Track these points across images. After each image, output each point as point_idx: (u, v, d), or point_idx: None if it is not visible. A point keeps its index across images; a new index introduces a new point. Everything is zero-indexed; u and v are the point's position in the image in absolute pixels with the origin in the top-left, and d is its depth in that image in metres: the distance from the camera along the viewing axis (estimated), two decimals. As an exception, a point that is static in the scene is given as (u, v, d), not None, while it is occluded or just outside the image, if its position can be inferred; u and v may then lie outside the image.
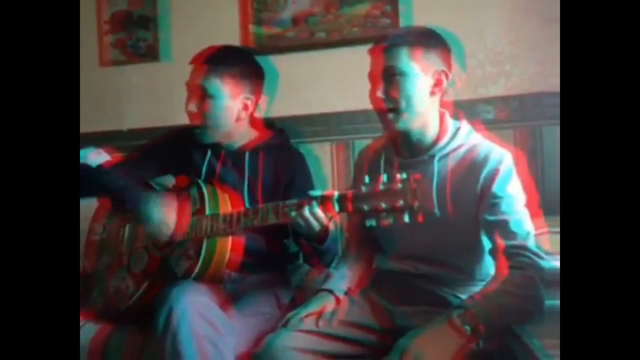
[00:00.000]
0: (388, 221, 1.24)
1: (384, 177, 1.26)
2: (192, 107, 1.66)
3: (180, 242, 1.58)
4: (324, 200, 1.36)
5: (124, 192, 1.67)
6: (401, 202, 1.22)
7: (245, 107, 1.69)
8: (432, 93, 1.43)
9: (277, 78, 1.96)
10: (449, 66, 1.45)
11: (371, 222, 1.27)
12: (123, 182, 1.68)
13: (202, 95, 1.65)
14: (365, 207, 1.27)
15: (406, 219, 1.22)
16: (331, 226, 1.46)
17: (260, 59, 1.76)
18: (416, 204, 1.21)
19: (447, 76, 1.44)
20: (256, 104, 1.73)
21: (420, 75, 1.40)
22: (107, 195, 1.75)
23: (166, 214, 1.60)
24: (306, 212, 1.37)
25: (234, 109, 1.67)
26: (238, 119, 1.69)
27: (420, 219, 1.22)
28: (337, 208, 1.33)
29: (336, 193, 1.34)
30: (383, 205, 1.23)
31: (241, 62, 1.69)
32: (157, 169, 1.80)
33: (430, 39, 1.44)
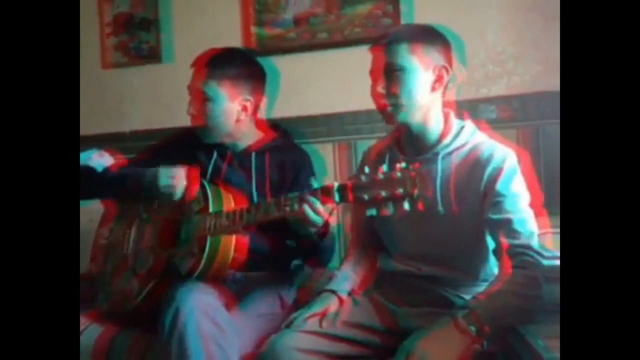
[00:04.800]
0: (388, 210, 1.23)
1: (384, 167, 1.26)
2: (192, 110, 1.69)
3: (185, 240, 1.59)
4: (324, 192, 1.35)
5: (126, 177, 1.69)
6: (401, 191, 1.20)
7: (244, 108, 1.70)
8: (433, 89, 1.42)
9: (278, 79, 1.96)
10: (450, 61, 1.44)
11: (372, 212, 1.25)
12: (124, 175, 1.71)
13: (202, 98, 1.67)
14: (365, 197, 1.25)
15: (406, 207, 1.21)
16: (332, 220, 1.45)
17: (260, 60, 1.77)
18: (416, 191, 1.19)
19: (447, 71, 1.43)
20: (256, 106, 1.74)
21: (420, 70, 1.40)
22: (112, 197, 1.76)
23: (176, 177, 1.62)
24: (307, 210, 1.35)
25: (232, 111, 1.69)
26: (238, 120, 1.70)
27: (420, 207, 1.21)
28: (337, 198, 1.32)
29: (336, 183, 1.33)
30: (383, 194, 1.22)
31: (239, 64, 1.70)
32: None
33: (429, 35, 1.44)
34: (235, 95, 1.68)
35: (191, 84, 1.70)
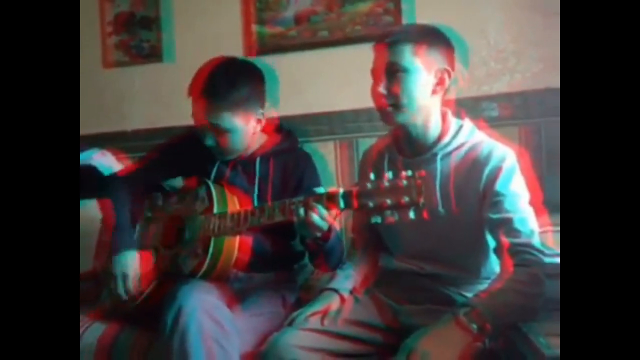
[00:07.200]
0: (393, 218, 1.23)
1: (389, 174, 1.25)
2: (211, 142, 1.65)
3: (189, 240, 1.59)
4: (329, 198, 1.34)
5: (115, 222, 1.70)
6: (406, 199, 1.21)
7: (259, 122, 1.67)
8: (434, 92, 1.42)
9: (276, 80, 1.95)
10: (452, 65, 1.44)
11: (376, 219, 1.25)
12: (121, 199, 1.72)
13: (216, 130, 1.62)
14: (371, 204, 1.26)
15: (411, 215, 1.21)
16: (336, 225, 1.45)
17: (257, 62, 1.74)
18: (421, 200, 1.20)
19: (449, 75, 1.43)
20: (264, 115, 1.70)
21: (423, 72, 1.39)
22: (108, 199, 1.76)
23: (132, 272, 1.63)
24: (312, 215, 1.35)
25: (249, 130, 1.66)
26: (254, 134, 1.68)
27: (425, 215, 1.22)
28: (342, 205, 1.32)
29: (341, 190, 1.33)
30: (388, 201, 1.23)
31: (245, 82, 1.62)
32: (168, 173, 1.81)
33: (434, 37, 1.43)
34: (250, 117, 1.64)
35: (196, 115, 1.63)
